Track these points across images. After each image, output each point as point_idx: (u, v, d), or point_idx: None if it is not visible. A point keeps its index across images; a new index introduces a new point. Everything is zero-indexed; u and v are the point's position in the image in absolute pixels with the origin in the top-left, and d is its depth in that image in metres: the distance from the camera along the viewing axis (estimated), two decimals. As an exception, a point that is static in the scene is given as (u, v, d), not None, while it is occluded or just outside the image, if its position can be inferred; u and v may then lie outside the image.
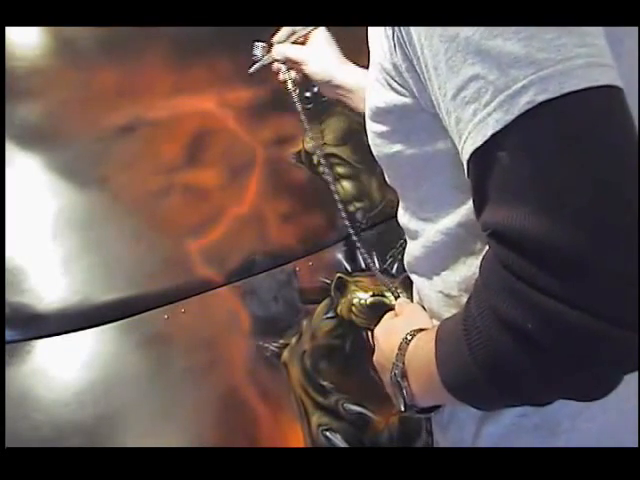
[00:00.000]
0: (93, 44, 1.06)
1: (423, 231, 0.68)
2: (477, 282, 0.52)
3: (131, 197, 1.01)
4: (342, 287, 1.05)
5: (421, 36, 0.51)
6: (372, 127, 0.68)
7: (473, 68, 0.47)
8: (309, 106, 1.15)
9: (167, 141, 1.05)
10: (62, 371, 0.91)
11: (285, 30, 1.04)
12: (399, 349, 0.65)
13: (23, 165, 0.97)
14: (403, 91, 0.59)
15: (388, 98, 0.61)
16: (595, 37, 0.46)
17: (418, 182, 0.65)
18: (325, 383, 1.01)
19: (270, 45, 1.05)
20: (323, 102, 1.16)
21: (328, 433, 0.98)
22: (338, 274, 1.05)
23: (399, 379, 0.64)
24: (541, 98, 0.44)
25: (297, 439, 0.97)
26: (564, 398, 0.52)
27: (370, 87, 0.66)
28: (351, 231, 0.98)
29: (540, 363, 0.47)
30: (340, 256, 1.08)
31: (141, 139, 1.04)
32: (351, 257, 1.08)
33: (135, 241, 1.00)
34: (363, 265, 1.09)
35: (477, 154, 0.48)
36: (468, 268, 0.64)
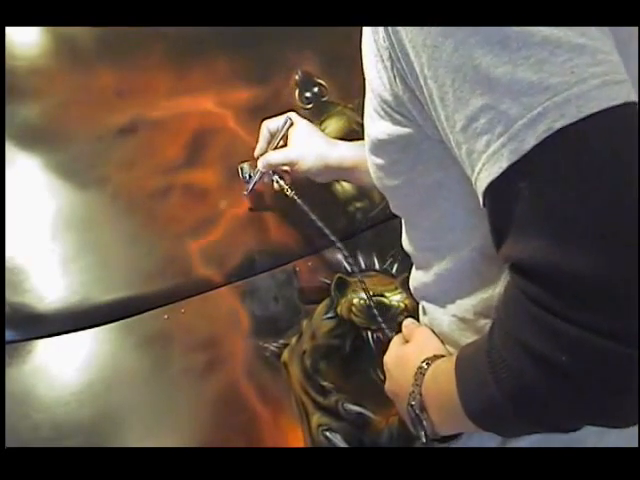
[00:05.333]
0: (93, 44, 1.06)
1: (435, 258, 0.67)
2: (499, 313, 0.51)
3: (131, 197, 1.01)
4: (342, 287, 1.05)
5: (424, 67, 0.49)
6: (374, 160, 0.66)
7: (483, 98, 0.45)
8: (309, 106, 1.15)
9: (167, 141, 1.05)
10: (62, 371, 0.91)
11: (263, 138, 1.01)
12: (415, 380, 0.64)
13: (23, 165, 0.97)
14: (405, 122, 0.58)
15: (389, 129, 0.60)
16: (607, 53, 0.45)
17: (428, 210, 0.64)
18: (325, 383, 1.01)
19: (255, 160, 1.02)
20: (323, 102, 1.16)
21: (328, 433, 0.98)
22: (338, 274, 1.05)
23: (418, 412, 0.62)
24: (559, 125, 0.43)
25: (297, 439, 0.97)
26: (595, 425, 0.50)
27: (369, 119, 0.64)
28: (346, 256, 0.98)
29: (573, 394, 0.46)
30: (340, 256, 1.08)
31: (141, 139, 1.04)
32: (351, 257, 1.08)
33: (135, 241, 1.00)
34: (363, 265, 1.09)
35: (493, 186, 0.47)
36: (484, 292, 0.62)
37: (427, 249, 0.68)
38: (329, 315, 1.04)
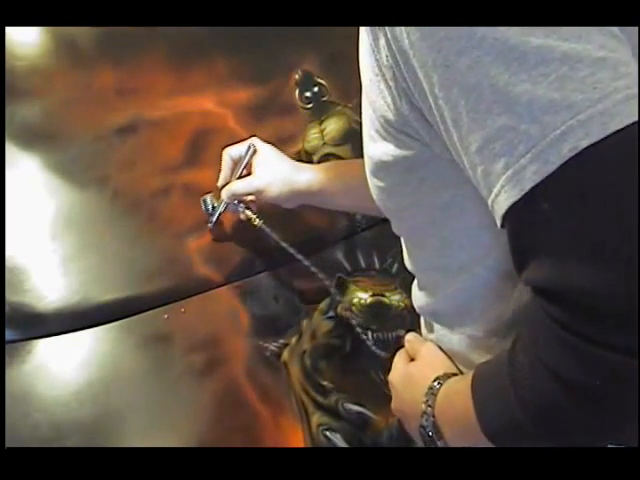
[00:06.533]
0: (93, 44, 1.06)
1: (443, 278, 0.65)
2: (523, 337, 0.49)
3: (131, 197, 1.02)
4: (342, 287, 1.05)
5: (434, 87, 0.47)
6: (376, 182, 0.64)
7: (501, 119, 0.43)
8: (309, 106, 1.15)
9: (167, 141, 1.05)
10: (62, 371, 0.91)
11: (225, 167, 0.98)
12: (426, 400, 0.62)
13: (23, 165, 0.97)
14: (411, 142, 0.56)
15: (393, 151, 0.58)
16: (627, 65, 0.43)
17: (436, 230, 0.62)
18: (325, 383, 1.01)
19: (219, 190, 0.98)
20: (323, 102, 1.16)
21: (328, 433, 0.98)
22: (338, 274, 1.05)
23: (432, 433, 0.61)
24: (585, 144, 0.41)
25: (297, 439, 0.97)
26: (621, 445, 0.50)
27: (369, 140, 0.62)
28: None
29: (606, 417, 0.45)
30: (340, 256, 1.08)
31: (141, 139, 1.04)
32: (351, 257, 1.08)
33: (135, 241, 1.00)
34: (363, 265, 1.09)
35: (515, 208, 0.45)
36: (496, 309, 0.61)
37: (435, 269, 0.66)
38: (329, 315, 1.04)
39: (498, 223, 0.47)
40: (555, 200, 0.43)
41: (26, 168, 0.98)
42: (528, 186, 0.43)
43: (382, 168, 0.61)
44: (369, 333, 1.03)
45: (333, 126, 1.14)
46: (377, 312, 1.03)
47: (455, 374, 0.65)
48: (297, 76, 1.15)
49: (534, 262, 0.45)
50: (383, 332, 1.02)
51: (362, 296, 1.04)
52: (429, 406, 0.62)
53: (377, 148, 0.60)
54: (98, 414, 0.89)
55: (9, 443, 0.75)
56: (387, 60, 0.53)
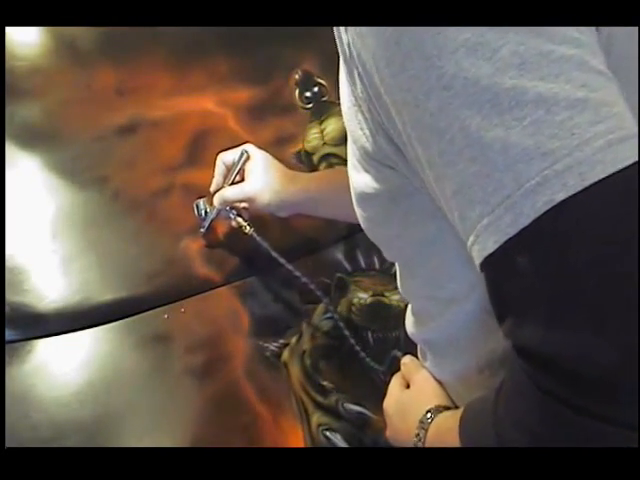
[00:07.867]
0: (93, 44, 1.06)
1: (435, 307, 0.63)
2: (506, 390, 0.48)
3: (131, 197, 1.02)
4: (342, 287, 1.05)
5: (407, 126, 0.45)
6: (361, 213, 0.62)
7: (474, 164, 0.40)
8: (309, 106, 1.15)
9: (167, 141, 1.06)
10: (62, 371, 0.91)
11: (218, 172, 0.97)
12: (417, 435, 0.63)
13: (23, 165, 0.97)
14: (391, 174, 0.54)
15: (374, 182, 0.56)
16: (611, 104, 0.39)
17: (425, 261, 0.60)
18: (325, 383, 1.01)
19: (211, 195, 0.97)
20: (323, 102, 1.16)
21: (328, 433, 0.98)
22: (338, 274, 1.05)
23: None
24: (561, 196, 0.38)
25: (297, 439, 0.97)
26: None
27: (353, 169, 0.60)
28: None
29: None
30: (340, 256, 1.08)
31: (141, 139, 1.04)
32: (351, 257, 1.08)
33: (135, 241, 1.00)
34: (363, 265, 1.09)
35: (490, 260, 0.42)
36: (485, 344, 0.60)
37: (426, 297, 0.65)
38: (329, 315, 1.04)
39: (477, 269, 0.45)
40: (529, 254, 0.40)
41: (26, 168, 0.98)
42: (502, 239, 0.40)
43: (367, 199, 0.59)
44: (369, 333, 1.03)
45: (333, 126, 1.14)
46: (377, 312, 1.03)
47: (447, 407, 0.65)
48: (297, 76, 1.15)
49: (512, 318, 0.43)
50: (383, 332, 1.02)
51: (362, 296, 1.04)
52: (420, 441, 0.62)
53: (360, 179, 0.58)
54: (98, 414, 0.89)
55: (9, 443, 0.75)
56: (362, 93, 0.51)
